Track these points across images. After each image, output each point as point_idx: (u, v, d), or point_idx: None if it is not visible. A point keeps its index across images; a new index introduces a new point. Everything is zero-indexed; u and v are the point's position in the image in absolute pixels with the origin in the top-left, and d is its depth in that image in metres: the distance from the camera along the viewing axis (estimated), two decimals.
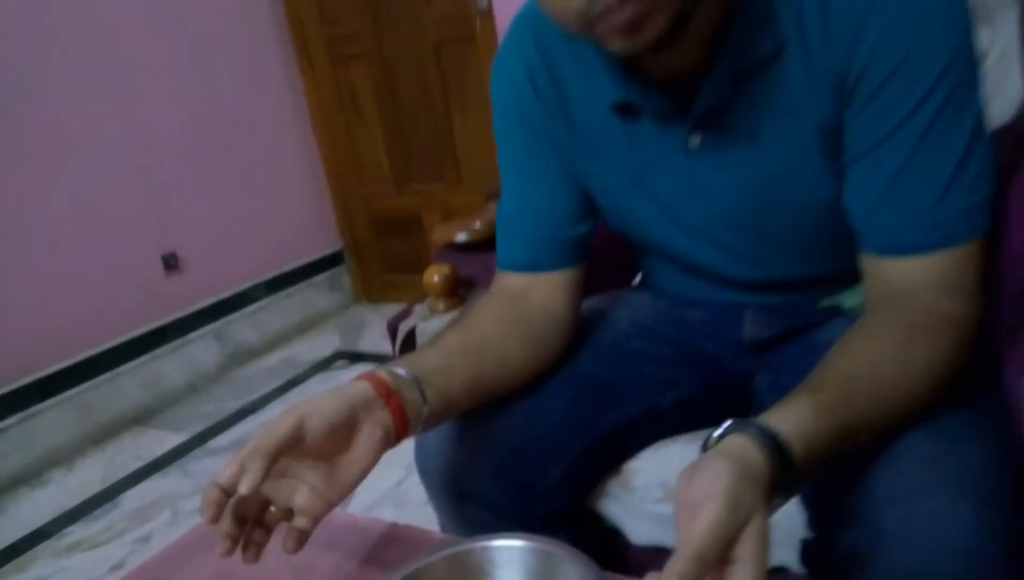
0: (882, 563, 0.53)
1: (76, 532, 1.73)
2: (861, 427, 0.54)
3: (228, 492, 0.54)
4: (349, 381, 0.62)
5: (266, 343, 2.59)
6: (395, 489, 1.63)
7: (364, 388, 0.60)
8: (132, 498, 1.83)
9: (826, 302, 0.79)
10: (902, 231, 0.61)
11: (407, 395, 0.62)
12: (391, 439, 0.60)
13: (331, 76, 2.64)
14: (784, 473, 0.48)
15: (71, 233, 2.09)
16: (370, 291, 2.88)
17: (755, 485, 0.46)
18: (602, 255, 0.94)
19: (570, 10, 0.55)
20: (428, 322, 0.97)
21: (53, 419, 2.06)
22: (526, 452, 0.74)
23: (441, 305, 0.98)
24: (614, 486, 0.81)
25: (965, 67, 0.59)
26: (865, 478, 0.57)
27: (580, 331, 0.83)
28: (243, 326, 2.54)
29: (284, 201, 2.67)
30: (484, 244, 0.98)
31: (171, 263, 2.32)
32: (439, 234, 1.05)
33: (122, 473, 1.94)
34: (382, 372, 0.63)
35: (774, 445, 0.48)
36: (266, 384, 2.32)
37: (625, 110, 0.71)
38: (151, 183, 2.27)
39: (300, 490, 0.57)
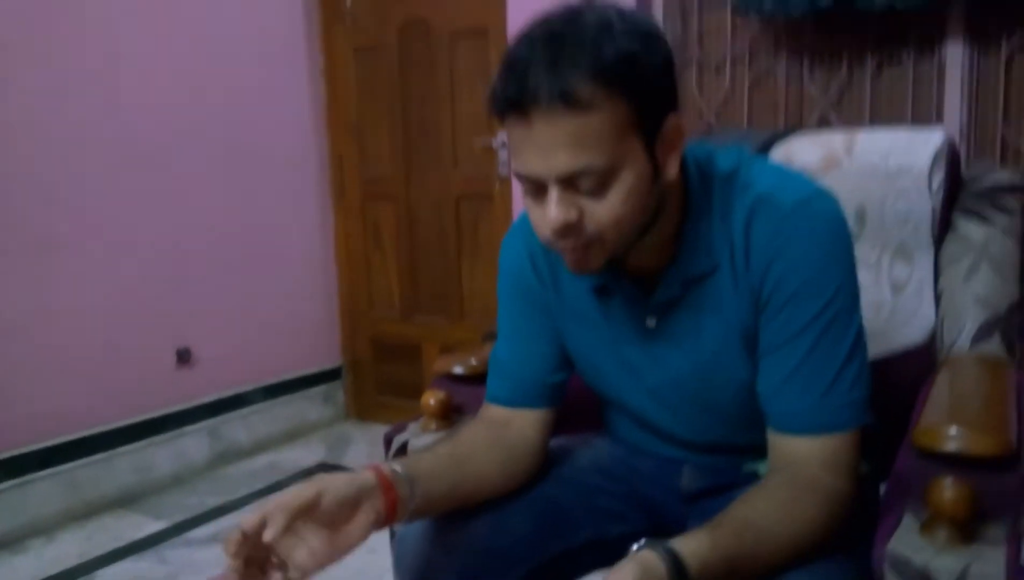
0: None
1: None
2: (746, 559, 0.71)
3: (247, 536, 0.70)
4: (360, 468, 0.79)
5: (255, 445, 2.71)
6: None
7: (370, 477, 0.77)
8: (106, 576, 1.90)
9: (748, 468, 0.97)
10: (797, 415, 0.81)
11: (401, 491, 0.79)
12: (381, 523, 0.77)
13: (360, 210, 2.93)
14: None
15: (96, 315, 2.27)
16: (361, 409, 3.03)
17: None
18: (579, 406, 1.13)
19: (540, 235, 0.79)
20: (420, 438, 1.14)
21: (43, 490, 2.16)
22: (487, 561, 0.89)
23: (433, 425, 1.16)
24: None
25: (846, 296, 0.81)
26: None
27: (549, 461, 1.01)
28: (237, 426, 2.67)
29: (296, 314, 2.88)
30: (477, 378, 1.16)
31: (184, 357, 2.50)
32: (439, 364, 1.24)
33: (99, 551, 2.02)
34: (385, 467, 0.80)
35: (673, 559, 0.66)
36: (249, 485, 2.43)
37: (602, 291, 0.92)
38: (178, 280, 2.48)
39: (300, 548, 0.73)
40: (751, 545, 0.71)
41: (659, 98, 0.76)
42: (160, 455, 2.44)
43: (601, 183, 0.74)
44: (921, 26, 1.90)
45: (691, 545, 0.68)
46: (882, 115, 1.98)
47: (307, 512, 0.72)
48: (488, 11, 2.47)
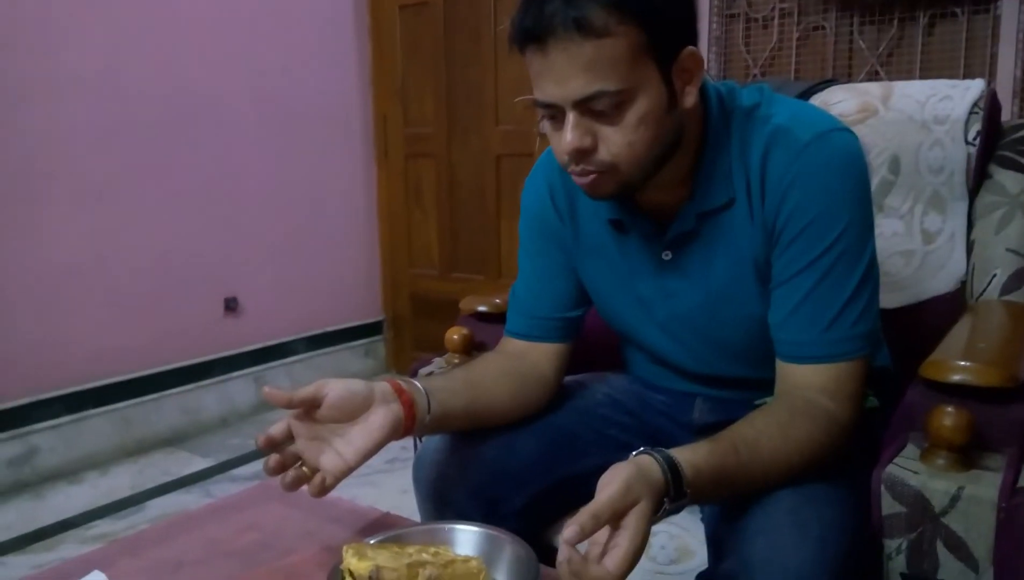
0: None
1: (102, 526, 1.91)
2: (740, 472, 0.73)
3: (273, 439, 0.77)
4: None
5: None
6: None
7: (383, 384, 0.81)
8: (156, 506, 2.01)
9: (759, 402, 0.97)
10: (801, 345, 0.82)
11: (417, 399, 0.83)
12: (399, 428, 0.80)
13: (402, 168, 2.98)
14: (675, 486, 0.68)
15: (149, 262, 2.38)
16: (400, 363, 3.10)
17: (647, 482, 0.65)
18: (601, 346, 1.16)
19: (559, 160, 0.81)
20: (443, 371, 1.18)
21: (98, 426, 2.28)
22: (497, 479, 0.93)
23: (456, 359, 1.19)
24: (569, 521, 0.98)
25: (858, 231, 0.81)
26: (742, 520, 0.75)
27: (564, 394, 1.03)
28: (280, 374, 2.76)
29: (339, 268, 2.95)
30: (500, 317, 1.19)
31: (231, 305, 2.59)
32: (465, 304, 1.27)
33: (150, 484, 2.14)
34: (400, 381, 0.84)
35: (669, 463, 0.68)
36: None
37: (618, 226, 0.94)
38: (227, 232, 2.57)
39: (327, 452, 0.77)
40: (746, 459, 0.73)
41: (673, 26, 0.77)
42: (207, 398, 2.55)
43: (616, 107, 0.76)
44: None
45: (687, 454, 0.70)
46: (933, 72, 1.92)
47: (312, 403, 0.77)
48: None
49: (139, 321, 2.37)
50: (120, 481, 2.17)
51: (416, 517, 0.98)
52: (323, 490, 0.77)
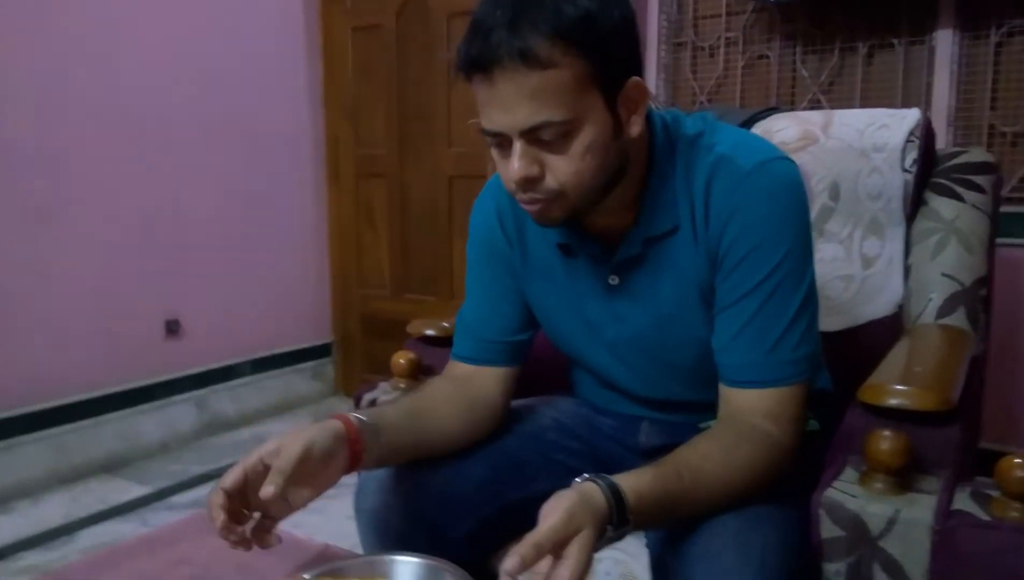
0: None
1: (29, 558, 1.82)
2: (683, 497, 0.72)
3: (231, 495, 0.72)
4: (329, 417, 0.80)
5: (242, 417, 2.73)
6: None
7: (340, 428, 0.78)
8: (88, 536, 1.93)
9: (704, 426, 0.98)
10: (744, 369, 0.82)
11: (367, 440, 0.80)
12: (344, 471, 0.78)
13: (354, 188, 2.95)
14: (618, 513, 0.67)
15: (88, 284, 2.29)
16: (349, 386, 3.05)
17: (590, 509, 0.65)
18: (549, 370, 1.15)
19: (507, 187, 0.81)
20: (389, 396, 1.16)
21: (31, 453, 2.18)
22: (442, 506, 0.91)
23: (403, 384, 1.17)
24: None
25: (799, 257, 0.82)
26: (685, 544, 0.74)
27: (512, 418, 1.02)
28: (224, 398, 2.69)
29: (288, 289, 2.90)
30: (448, 340, 1.17)
31: (173, 328, 2.52)
32: (413, 327, 1.26)
33: (83, 513, 2.05)
34: (352, 418, 0.81)
35: (612, 490, 0.68)
36: (233, 455, 2.44)
37: (566, 250, 0.94)
38: (171, 252, 2.50)
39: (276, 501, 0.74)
40: (690, 484, 0.73)
41: (618, 56, 0.78)
42: (147, 423, 2.46)
43: (563, 136, 0.76)
44: (913, 13, 1.90)
45: (631, 480, 0.70)
46: (872, 101, 1.98)
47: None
48: None
49: (76, 344, 2.28)
50: (52, 510, 2.07)
51: (359, 546, 0.95)
52: (267, 534, 0.74)
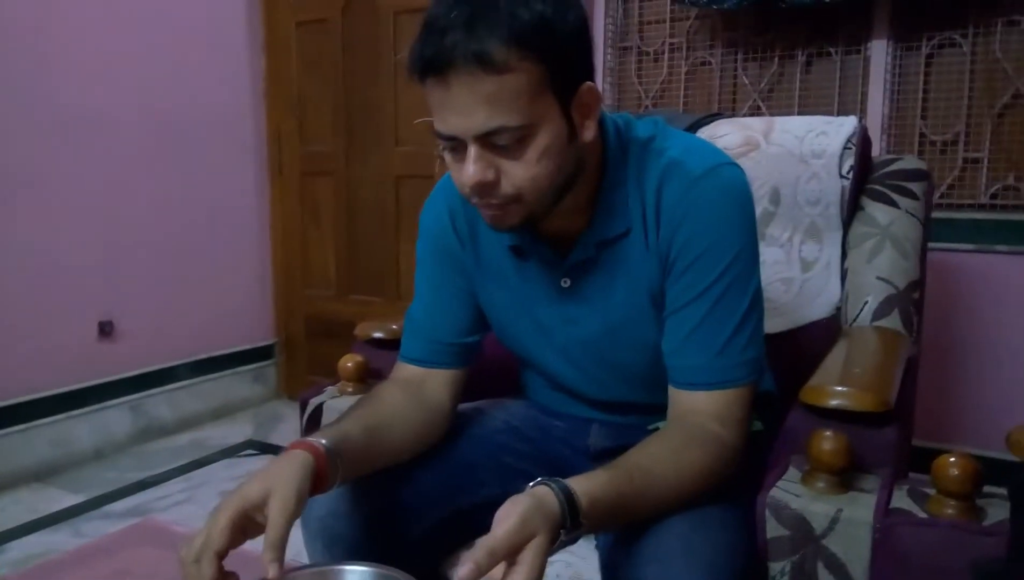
0: None
1: None
2: (635, 499, 0.73)
3: (221, 555, 0.67)
4: (295, 446, 0.76)
5: (180, 422, 2.65)
6: None
7: (311, 462, 0.75)
8: (18, 548, 1.85)
9: (653, 426, 0.99)
10: (693, 371, 0.84)
11: (331, 466, 0.77)
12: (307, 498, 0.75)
13: (299, 187, 2.89)
14: (571, 517, 0.67)
15: (16, 283, 2.19)
16: (293, 387, 2.99)
17: (544, 515, 0.65)
18: (499, 372, 1.15)
19: (461, 191, 0.81)
20: (336, 400, 1.14)
21: None
22: (392, 512, 0.90)
23: (350, 388, 1.15)
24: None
25: (745, 262, 0.84)
26: (635, 547, 0.75)
27: (460, 422, 1.01)
28: (161, 402, 2.60)
29: (228, 289, 2.82)
30: (397, 343, 1.16)
31: (106, 330, 2.42)
32: (361, 330, 1.24)
33: (12, 524, 1.96)
34: (318, 445, 0.77)
35: (565, 494, 0.68)
36: (170, 462, 2.37)
37: (518, 252, 0.94)
38: (105, 252, 2.41)
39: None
40: (641, 486, 0.74)
41: (573, 61, 0.78)
42: (80, 429, 2.37)
43: (518, 141, 0.76)
44: (849, 24, 1.97)
45: (584, 483, 0.70)
46: (810, 107, 2.04)
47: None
48: None
49: (3, 347, 2.18)
50: None
51: (302, 554, 0.93)
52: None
